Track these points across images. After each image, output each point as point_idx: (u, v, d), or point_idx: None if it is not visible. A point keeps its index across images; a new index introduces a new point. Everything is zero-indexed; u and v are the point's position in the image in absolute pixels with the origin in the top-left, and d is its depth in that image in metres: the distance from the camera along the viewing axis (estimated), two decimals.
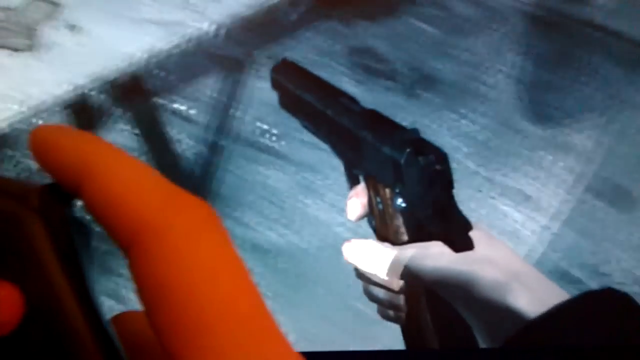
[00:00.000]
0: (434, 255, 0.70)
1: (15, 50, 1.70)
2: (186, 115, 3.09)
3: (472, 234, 0.71)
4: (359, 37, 3.73)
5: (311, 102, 0.85)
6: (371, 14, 3.95)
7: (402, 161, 0.69)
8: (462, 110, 3.20)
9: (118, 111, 3.06)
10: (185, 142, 2.88)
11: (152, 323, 0.25)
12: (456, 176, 0.71)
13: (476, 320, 0.67)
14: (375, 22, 3.94)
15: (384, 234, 0.77)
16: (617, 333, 0.58)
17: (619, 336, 0.58)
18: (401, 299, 0.74)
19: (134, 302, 0.27)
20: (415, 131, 0.75)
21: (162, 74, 3.40)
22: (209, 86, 3.21)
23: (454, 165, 0.71)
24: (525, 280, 0.67)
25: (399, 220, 0.74)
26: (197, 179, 2.69)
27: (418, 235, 0.72)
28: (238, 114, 3.17)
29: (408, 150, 0.69)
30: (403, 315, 0.75)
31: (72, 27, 1.78)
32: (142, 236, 0.26)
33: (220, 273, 0.26)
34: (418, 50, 3.72)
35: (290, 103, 0.90)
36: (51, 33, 1.77)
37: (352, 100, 0.83)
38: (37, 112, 1.68)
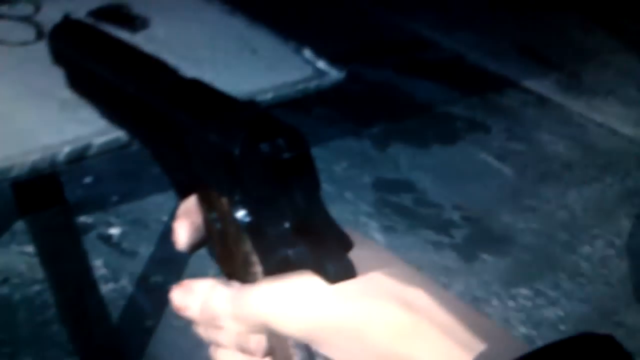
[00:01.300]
0: (303, 294, 0.64)
1: None
2: (120, 242, 3.01)
3: (354, 254, 0.64)
4: (399, 167, 3.69)
5: (107, 76, 0.79)
6: (421, 136, 3.96)
7: (237, 151, 0.63)
8: (539, 286, 3.13)
9: (18, 225, 2.92)
10: (113, 280, 2.79)
11: None
12: None
13: None
14: (425, 149, 3.90)
15: (230, 267, 0.71)
16: None
17: None
18: None
19: None
20: (253, 105, 0.68)
21: (91, 180, 3.37)
22: (160, 206, 3.20)
23: None
24: (449, 323, 0.61)
25: (247, 244, 0.68)
26: (126, 334, 2.60)
27: (276, 263, 0.66)
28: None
29: (244, 134, 0.63)
30: None
31: None
32: None
33: None
34: (483, 196, 3.64)
35: (81, 81, 0.85)
36: None
37: (166, 68, 0.77)
38: None
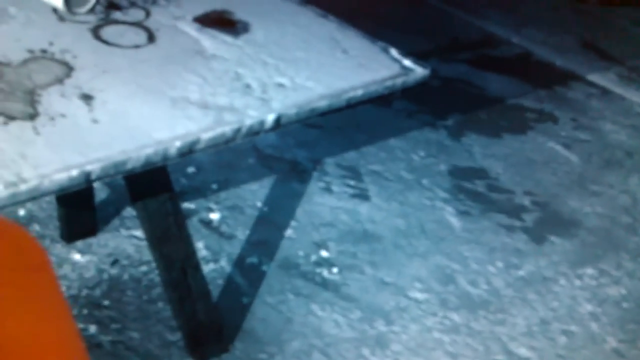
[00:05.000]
0: None
1: (10, 118, 1.64)
2: (219, 226, 3.07)
3: None
4: (473, 156, 3.71)
5: None
6: (493, 127, 3.93)
7: None
8: (603, 266, 3.10)
9: (129, 211, 3.00)
10: (213, 261, 2.84)
11: None
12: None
13: None
14: (497, 139, 3.89)
15: None
16: None
17: None
18: None
19: None
20: None
21: (195, 170, 3.35)
22: (255, 193, 3.29)
23: None
24: None
25: None
26: (224, 310, 2.64)
27: None
28: (289, 232, 3.09)
29: None
30: None
31: (88, 98, 1.72)
32: None
33: None
34: (551, 182, 3.64)
35: None
36: (58, 101, 1.70)
37: None
38: (28, 200, 1.59)
